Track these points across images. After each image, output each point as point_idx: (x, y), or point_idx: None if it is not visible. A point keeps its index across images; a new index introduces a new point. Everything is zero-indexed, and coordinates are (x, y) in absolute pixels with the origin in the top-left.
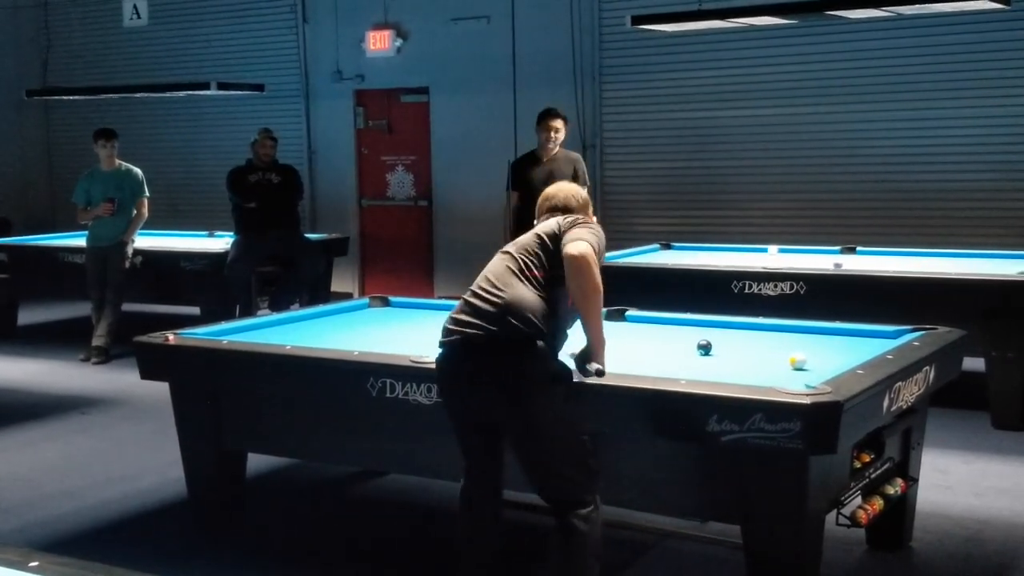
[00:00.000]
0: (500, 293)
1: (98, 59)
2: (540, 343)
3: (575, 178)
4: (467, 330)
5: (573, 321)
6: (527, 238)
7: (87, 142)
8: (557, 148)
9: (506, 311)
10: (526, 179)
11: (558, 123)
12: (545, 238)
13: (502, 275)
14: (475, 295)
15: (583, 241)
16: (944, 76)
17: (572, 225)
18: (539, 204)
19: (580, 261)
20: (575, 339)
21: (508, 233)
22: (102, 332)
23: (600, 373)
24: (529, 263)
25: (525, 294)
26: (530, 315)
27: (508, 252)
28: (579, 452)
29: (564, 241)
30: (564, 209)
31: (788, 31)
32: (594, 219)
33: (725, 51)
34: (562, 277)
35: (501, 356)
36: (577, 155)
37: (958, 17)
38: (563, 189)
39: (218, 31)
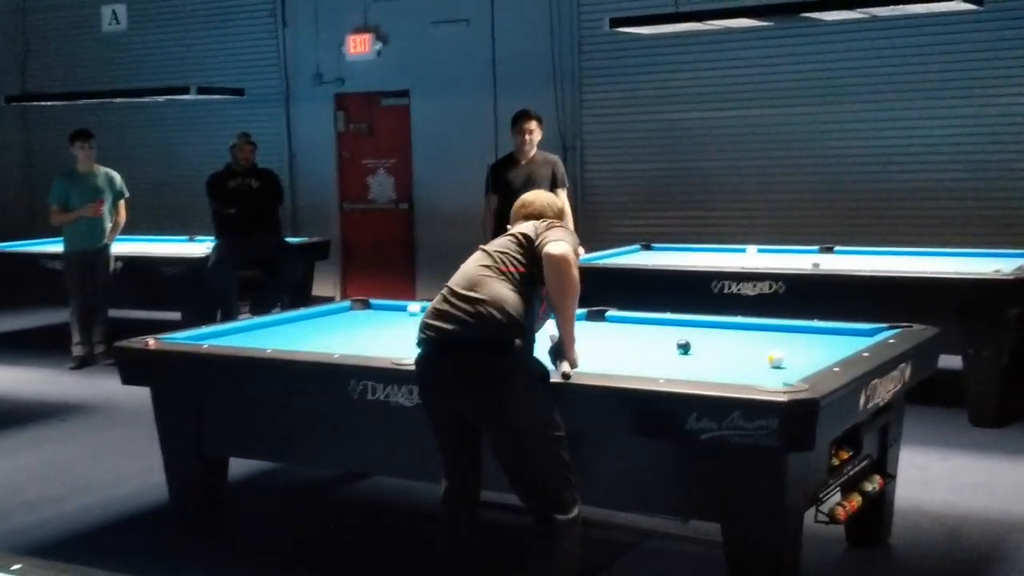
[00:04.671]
0: (477, 291)
1: (77, 64)
2: (518, 342)
3: (554, 180)
4: (446, 326)
5: (543, 323)
6: (503, 239)
7: (66, 147)
8: (534, 150)
9: (484, 309)
10: (505, 182)
11: (532, 124)
12: (522, 238)
13: (479, 273)
14: (453, 293)
15: (563, 242)
16: (919, 77)
17: (549, 227)
18: (515, 210)
19: (561, 261)
20: (542, 337)
21: (488, 236)
22: (98, 340)
23: (567, 377)
24: (506, 260)
25: (503, 291)
26: (509, 311)
27: (484, 250)
28: (558, 451)
29: (542, 241)
30: (539, 216)
31: (764, 33)
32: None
33: (703, 53)
34: (538, 276)
35: (480, 356)
36: (556, 157)
37: (932, 18)
38: (540, 197)
39: (197, 35)
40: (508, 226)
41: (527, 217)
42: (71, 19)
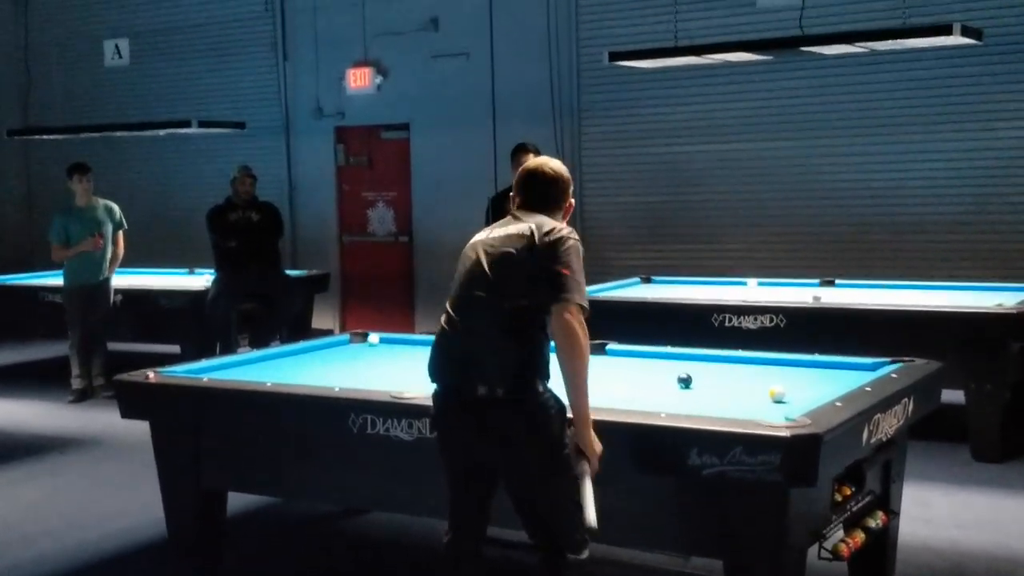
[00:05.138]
0: (486, 341)
1: (79, 98)
2: (534, 391)
3: None
4: (456, 368)
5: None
6: (501, 253)
7: (67, 181)
8: None
9: (493, 358)
10: (505, 214)
11: (529, 157)
12: (519, 258)
13: (482, 308)
14: (456, 329)
15: (573, 304)
16: (918, 110)
17: (551, 249)
18: (517, 180)
19: (571, 333)
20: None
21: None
22: (97, 372)
23: (593, 532)
24: (509, 291)
25: (509, 333)
26: (519, 359)
27: (484, 271)
28: (572, 492)
29: (553, 293)
30: (542, 197)
31: (763, 67)
32: (572, 201)
33: (702, 86)
34: (544, 303)
35: (497, 406)
36: None
37: (931, 52)
38: (545, 170)
39: (199, 69)
40: (511, 194)
41: (527, 192)
42: (73, 53)
